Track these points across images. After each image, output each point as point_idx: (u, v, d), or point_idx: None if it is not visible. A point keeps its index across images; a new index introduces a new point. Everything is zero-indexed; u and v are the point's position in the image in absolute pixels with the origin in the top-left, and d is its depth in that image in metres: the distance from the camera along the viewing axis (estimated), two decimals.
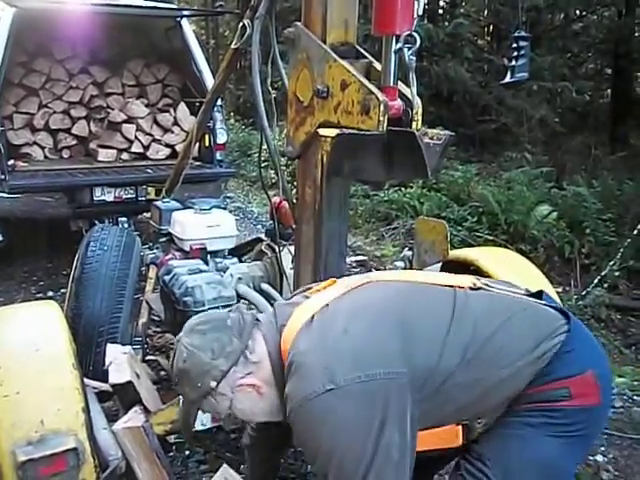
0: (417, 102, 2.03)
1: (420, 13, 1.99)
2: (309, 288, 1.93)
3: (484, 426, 1.79)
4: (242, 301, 2.89)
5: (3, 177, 5.09)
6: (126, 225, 5.23)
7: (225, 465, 2.46)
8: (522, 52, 2.72)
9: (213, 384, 1.66)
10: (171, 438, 2.87)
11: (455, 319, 1.67)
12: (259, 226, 7.59)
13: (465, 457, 1.78)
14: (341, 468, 1.51)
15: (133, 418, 2.34)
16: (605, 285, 5.49)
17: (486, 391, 1.68)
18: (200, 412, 1.80)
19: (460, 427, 1.83)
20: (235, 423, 1.82)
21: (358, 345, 1.59)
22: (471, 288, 1.79)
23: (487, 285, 1.83)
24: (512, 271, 2.90)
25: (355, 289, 1.76)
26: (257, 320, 1.77)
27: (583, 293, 5.39)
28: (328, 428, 1.52)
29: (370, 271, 6.12)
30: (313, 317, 1.66)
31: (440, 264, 2.82)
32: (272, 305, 2.93)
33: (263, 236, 3.58)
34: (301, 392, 1.55)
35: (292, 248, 2.61)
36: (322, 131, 2.15)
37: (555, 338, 1.69)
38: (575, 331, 1.73)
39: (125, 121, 6.44)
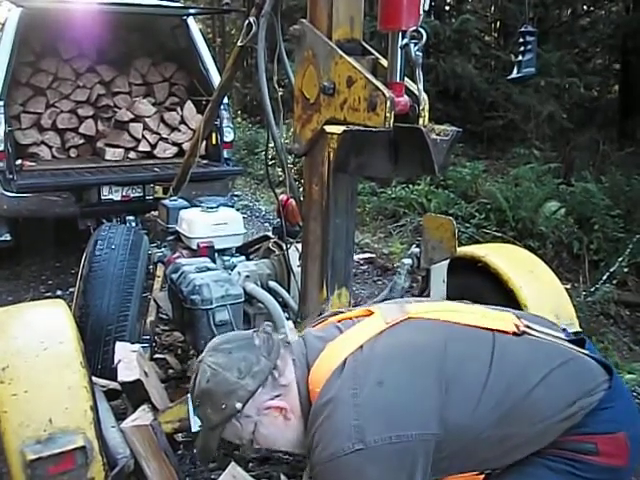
0: (424, 98, 2.02)
1: (426, 9, 1.97)
2: (340, 312, 1.86)
3: None
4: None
5: (11, 177, 5.11)
6: (134, 224, 5.23)
7: (233, 463, 2.45)
8: (529, 47, 2.70)
9: (239, 405, 1.58)
10: (179, 436, 2.86)
11: (492, 373, 1.59)
12: (266, 224, 7.59)
13: None
14: None
15: (141, 416, 2.34)
16: (614, 281, 5.45)
17: (513, 447, 1.63)
18: (193, 414, 1.70)
19: (482, 476, 1.77)
20: (257, 451, 1.74)
21: (392, 401, 1.52)
22: (514, 333, 1.69)
23: (529, 328, 1.72)
24: (521, 268, 2.89)
25: (392, 327, 1.65)
26: (287, 343, 1.70)
27: (592, 289, 5.35)
28: None
29: (380, 269, 6.14)
30: (346, 361, 1.57)
31: (448, 261, 2.81)
32: (280, 304, 2.95)
33: (270, 234, 3.59)
34: (329, 448, 1.49)
35: (299, 245, 2.61)
36: (329, 128, 2.15)
37: (594, 395, 1.62)
38: (615, 389, 1.65)
39: (132, 120, 6.46)
